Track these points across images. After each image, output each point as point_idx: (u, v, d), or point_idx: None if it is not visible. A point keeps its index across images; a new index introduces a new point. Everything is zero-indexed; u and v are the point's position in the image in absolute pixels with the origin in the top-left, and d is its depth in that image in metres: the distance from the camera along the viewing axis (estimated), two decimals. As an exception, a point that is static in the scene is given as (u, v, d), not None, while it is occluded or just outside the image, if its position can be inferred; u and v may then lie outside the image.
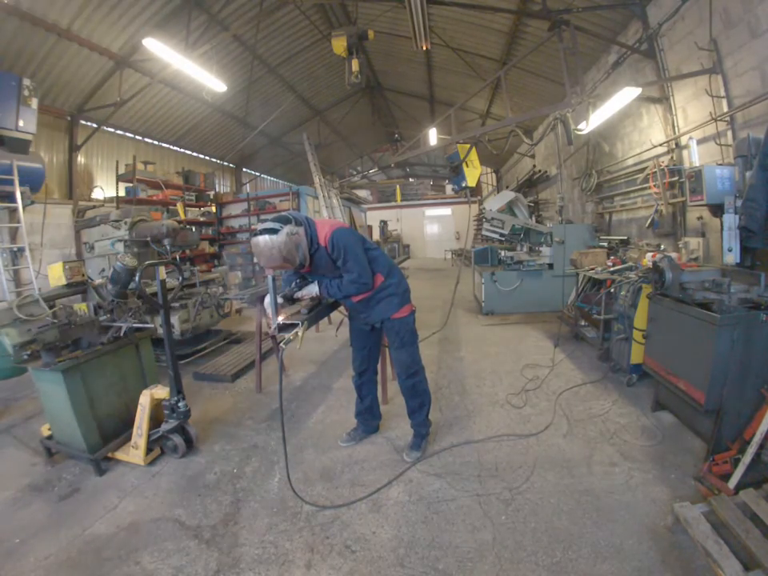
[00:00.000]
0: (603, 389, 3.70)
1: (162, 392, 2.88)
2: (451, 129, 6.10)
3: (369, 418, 3.09)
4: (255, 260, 2.44)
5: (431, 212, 21.50)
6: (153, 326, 3.36)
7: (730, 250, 2.92)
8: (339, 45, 5.88)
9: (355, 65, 6.01)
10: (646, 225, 5.47)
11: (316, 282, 2.64)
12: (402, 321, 2.73)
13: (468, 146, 6.09)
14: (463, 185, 6.18)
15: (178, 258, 6.55)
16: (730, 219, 2.92)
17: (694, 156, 4.39)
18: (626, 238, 6.14)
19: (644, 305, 3.37)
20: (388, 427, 3.21)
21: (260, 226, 2.35)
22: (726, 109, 3.94)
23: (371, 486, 2.51)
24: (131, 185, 7.88)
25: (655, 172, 5.04)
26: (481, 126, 10.28)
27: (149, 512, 2.39)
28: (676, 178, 4.79)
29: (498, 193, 14.88)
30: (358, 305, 2.72)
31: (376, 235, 17.15)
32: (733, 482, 2.14)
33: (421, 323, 3.23)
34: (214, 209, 10.40)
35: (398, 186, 22.19)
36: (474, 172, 6.22)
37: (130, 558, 2.05)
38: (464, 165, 6.05)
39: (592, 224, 7.07)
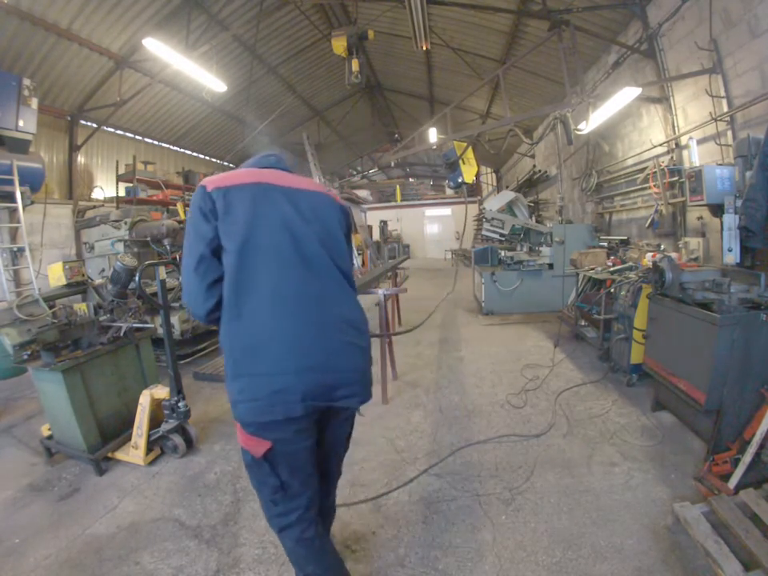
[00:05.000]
0: (603, 389, 3.70)
1: (161, 392, 2.88)
2: (448, 128, 6.10)
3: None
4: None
5: (431, 212, 21.47)
6: (153, 325, 3.36)
7: (730, 250, 2.92)
8: (339, 45, 5.87)
9: (355, 65, 6.00)
10: (646, 225, 5.46)
11: None
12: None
13: (465, 143, 6.06)
14: (459, 180, 6.10)
15: (177, 257, 6.54)
16: (730, 219, 2.93)
17: (694, 156, 4.38)
18: (626, 238, 6.13)
19: (644, 305, 3.37)
20: (387, 427, 3.21)
21: None
22: (725, 109, 3.93)
23: (371, 486, 2.51)
24: (131, 185, 7.87)
25: (655, 172, 5.04)
26: (481, 126, 10.28)
27: (149, 512, 2.39)
28: (676, 178, 4.78)
29: (497, 193, 14.87)
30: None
31: (376, 235, 17.12)
32: (733, 482, 2.14)
33: (421, 322, 3.21)
34: (214, 209, 10.40)
35: (397, 186, 22.16)
36: (470, 169, 6.18)
37: (129, 558, 2.05)
38: (460, 161, 6.00)
39: (592, 224, 7.06)
